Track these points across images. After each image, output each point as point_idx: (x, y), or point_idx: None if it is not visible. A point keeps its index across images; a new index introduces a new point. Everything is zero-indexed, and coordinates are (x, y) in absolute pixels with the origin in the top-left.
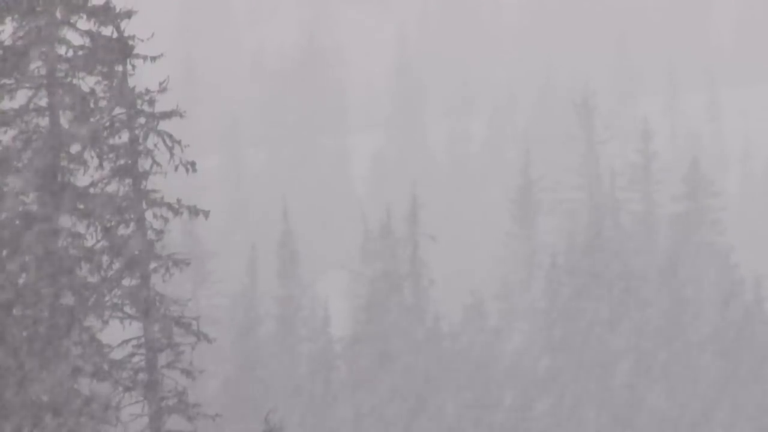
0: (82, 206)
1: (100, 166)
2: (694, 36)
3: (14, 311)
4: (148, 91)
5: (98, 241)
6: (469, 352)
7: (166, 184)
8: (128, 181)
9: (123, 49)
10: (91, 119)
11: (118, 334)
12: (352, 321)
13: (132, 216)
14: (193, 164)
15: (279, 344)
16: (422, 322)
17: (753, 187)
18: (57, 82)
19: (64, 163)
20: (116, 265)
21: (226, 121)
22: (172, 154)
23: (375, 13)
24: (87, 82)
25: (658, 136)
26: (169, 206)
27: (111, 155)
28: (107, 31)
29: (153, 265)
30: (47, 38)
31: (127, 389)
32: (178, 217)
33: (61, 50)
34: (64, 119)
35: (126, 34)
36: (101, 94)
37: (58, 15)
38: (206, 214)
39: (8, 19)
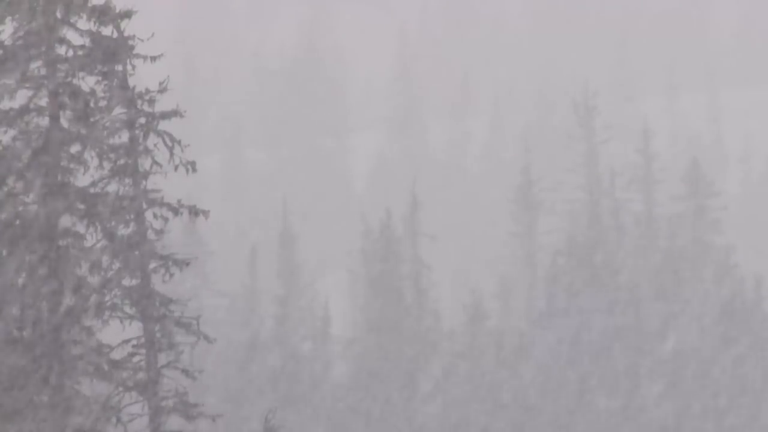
0: (82, 206)
1: (100, 166)
2: (694, 36)
3: (14, 311)
4: (148, 91)
5: (98, 241)
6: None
7: (166, 184)
8: (128, 181)
9: (123, 49)
10: (91, 119)
11: (118, 334)
12: (352, 321)
13: (132, 216)
14: (193, 164)
15: (279, 344)
16: (422, 322)
17: (753, 187)
18: (57, 82)
19: (64, 163)
20: (116, 265)
21: (226, 121)
22: (172, 154)
23: (375, 12)
24: (87, 82)
25: (658, 136)
26: (169, 206)
27: (111, 155)
28: (107, 31)
29: (153, 265)
30: (47, 38)
31: (127, 389)
32: (178, 217)
33: (61, 50)
34: (64, 119)
35: (126, 34)
36: (101, 94)
37: (58, 15)
38: (206, 214)
39: (8, 19)
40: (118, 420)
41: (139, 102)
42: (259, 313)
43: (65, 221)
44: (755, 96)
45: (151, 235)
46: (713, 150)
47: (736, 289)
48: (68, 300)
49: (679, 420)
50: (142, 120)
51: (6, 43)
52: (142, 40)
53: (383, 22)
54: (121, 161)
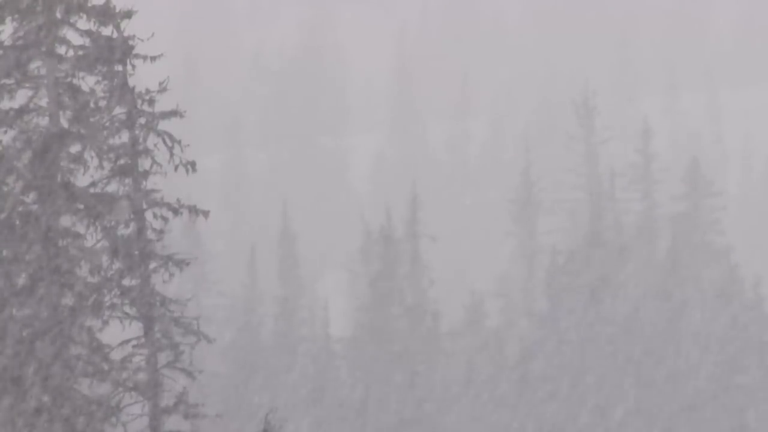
0: (82, 206)
1: (100, 166)
2: (694, 36)
3: (14, 311)
4: (148, 91)
5: (98, 241)
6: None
7: (166, 184)
8: (128, 181)
9: (123, 49)
10: (91, 119)
11: (118, 334)
12: (352, 321)
13: (132, 216)
14: (193, 164)
15: (279, 344)
16: (422, 322)
17: (753, 187)
18: (57, 82)
19: (64, 163)
20: (116, 265)
21: (226, 121)
22: (172, 154)
23: (375, 12)
24: (87, 82)
25: (658, 136)
26: (169, 206)
27: (111, 155)
28: (107, 31)
29: (153, 265)
30: (47, 38)
31: (127, 389)
32: (178, 217)
33: (61, 50)
34: (64, 119)
35: (126, 34)
36: (101, 94)
37: (58, 15)
38: (206, 214)
39: (8, 19)
40: (118, 420)
41: (139, 102)
42: (259, 313)
43: (65, 221)
44: (755, 96)
45: (151, 235)
46: (713, 150)
47: (736, 289)
48: (68, 300)
49: (679, 420)
50: (142, 120)
51: (6, 43)
52: (142, 40)
53: (383, 22)
54: (121, 161)
